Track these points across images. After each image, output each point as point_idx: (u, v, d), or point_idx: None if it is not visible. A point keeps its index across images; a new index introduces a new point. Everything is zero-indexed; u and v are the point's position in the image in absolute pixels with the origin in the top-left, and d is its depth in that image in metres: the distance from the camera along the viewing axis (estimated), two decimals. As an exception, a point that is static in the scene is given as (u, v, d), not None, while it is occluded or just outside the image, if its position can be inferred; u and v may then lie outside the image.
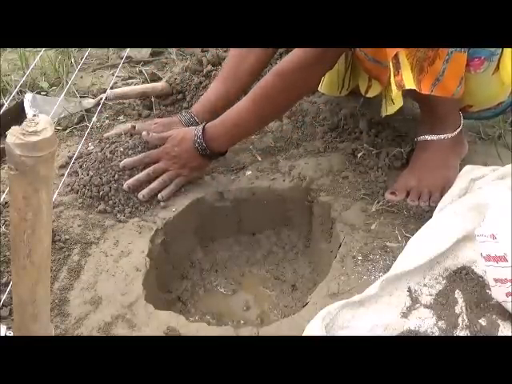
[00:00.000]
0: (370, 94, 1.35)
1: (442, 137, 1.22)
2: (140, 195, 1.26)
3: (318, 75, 1.27)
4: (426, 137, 1.23)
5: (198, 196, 1.32)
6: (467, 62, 1.08)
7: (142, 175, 1.28)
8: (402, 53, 1.04)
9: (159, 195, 1.27)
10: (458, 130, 1.23)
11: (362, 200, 1.25)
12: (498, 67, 1.10)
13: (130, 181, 1.27)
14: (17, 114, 1.51)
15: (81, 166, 1.34)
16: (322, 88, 1.46)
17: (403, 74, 1.05)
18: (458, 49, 1.05)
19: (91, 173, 1.30)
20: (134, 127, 1.38)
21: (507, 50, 1.08)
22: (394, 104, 1.13)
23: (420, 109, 1.30)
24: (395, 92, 1.06)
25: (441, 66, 1.06)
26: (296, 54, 1.18)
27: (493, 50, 1.08)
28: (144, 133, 1.32)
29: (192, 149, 1.27)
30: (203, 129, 1.26)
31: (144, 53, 1.85)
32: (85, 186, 1.29)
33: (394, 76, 1.05)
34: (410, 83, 1.05)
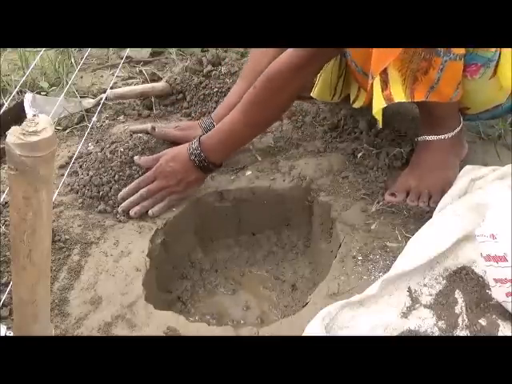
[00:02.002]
0: (356, 105, 1.35)
1: (442, 137, 1.22)
2: (132, 212, 1.24)
3: (306, 77, 1.25)
4: (427, 137, 1.24)
5: (197, 196, 1.33)
6: (464, 68, 1.08)
7: (135, 198, 1.25)
8: (392, 66, 1.04)
9: (149, 211, 1.25)
10: (458, 129, 1.23)
11: (362, 200, 1.25)
12: (495, 72, 1.10)
13: (124, 204, 1.25)
14: (17, 114, 1.51)
15: (81, 166, 1.34)
16: (314, 93, 1.44)
17: (392, 87, 1.05)
18: (453, 57, 1.04)
19: (91, 173, 1.30)
20: (154, 128, 1.38)
21: (505, 56, 1.08)
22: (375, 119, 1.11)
23: (419, 110, 1.30)
24: (377, 109, 1.05)
25: (435, 76, 1.06)
26: (284, 56, 1.17)
27: (490, 56, 1.07)
28: (136, 157, 1.30)
29: (188, 162, 1.25)
30: (199, 140, 1.25)
31: (144, 53, 1.85)
32: (85, 185, 1.29)
33: (383, 91, 1.05)
34: (399, 96, 1.05)
